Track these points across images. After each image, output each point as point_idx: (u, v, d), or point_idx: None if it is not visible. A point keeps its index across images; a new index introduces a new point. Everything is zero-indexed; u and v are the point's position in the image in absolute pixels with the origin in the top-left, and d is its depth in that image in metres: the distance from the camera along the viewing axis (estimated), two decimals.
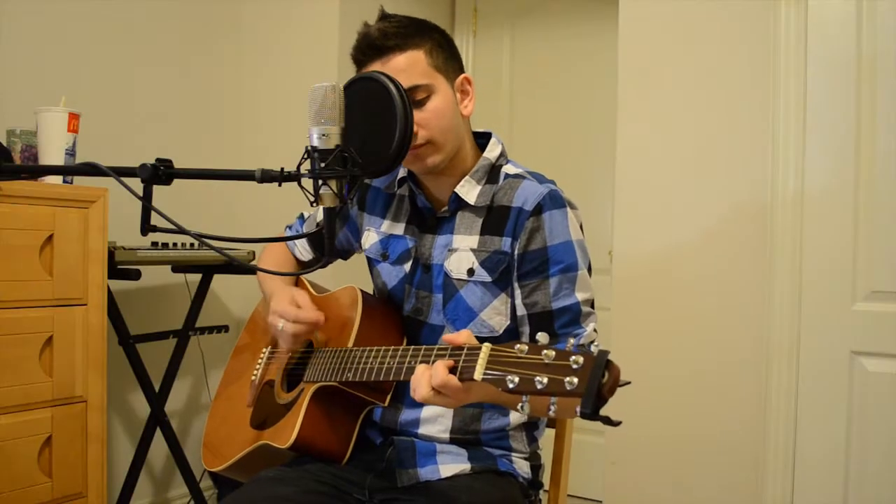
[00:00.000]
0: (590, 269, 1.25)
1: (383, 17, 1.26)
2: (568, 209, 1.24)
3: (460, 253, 1.26)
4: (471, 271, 1.25)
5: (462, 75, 1.28)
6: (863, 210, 1.95)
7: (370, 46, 1.22)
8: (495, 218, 1.25)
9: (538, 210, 1.22)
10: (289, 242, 1.54)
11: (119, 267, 2.03)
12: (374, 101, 1.04)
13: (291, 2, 2.81)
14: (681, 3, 2.20)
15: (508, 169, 1.30)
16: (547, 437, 1.40)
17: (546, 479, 1.39)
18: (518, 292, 1.23)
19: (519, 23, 3.14)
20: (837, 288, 1.97)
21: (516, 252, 1.23)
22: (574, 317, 1.20)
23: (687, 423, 2.16)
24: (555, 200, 1.23)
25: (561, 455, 1.41)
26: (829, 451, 1.97)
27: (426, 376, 0.97)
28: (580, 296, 1.21)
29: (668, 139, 2.22)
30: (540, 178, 1.28)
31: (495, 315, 1.26)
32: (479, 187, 1.27)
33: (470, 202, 1.27)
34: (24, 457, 1.71)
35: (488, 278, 1.24)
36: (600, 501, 2.43)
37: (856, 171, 1.96)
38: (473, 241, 1.26)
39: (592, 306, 1.24)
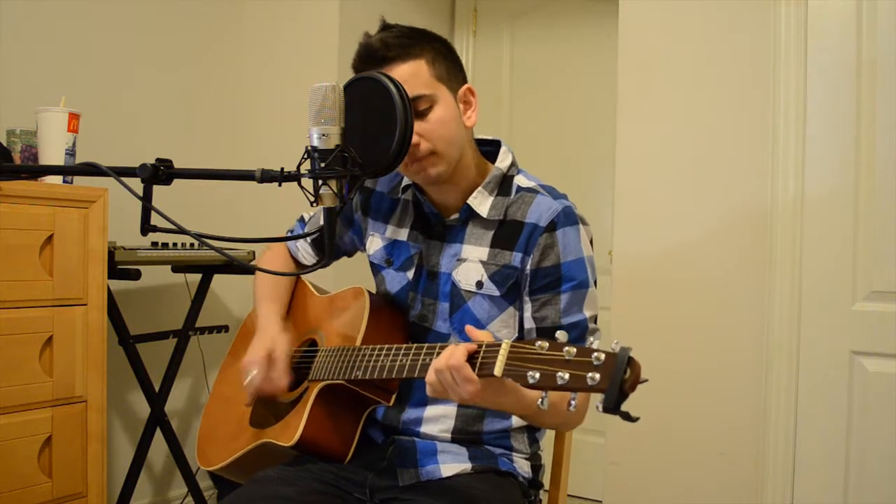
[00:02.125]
0: (595, 284, 1.26)
1: (384, 27, 1.25)
2: (580, 226, 1.25)
3: (469, 264, 1.26)
4: (479, 283, 1.25)
5: (465, 86, 1.27)
6: (863, 210, 1.95)
7: (371, 57, 1.21)
8: (507, 232, 1.25)
9: (552, 227, 1.22)
10: (292, 248, 1.53)
11: (119, 267, 2.03)
12: (375, 101, 1.04)
13: (291, 2, 2.81)
14: (681, 3, 2.20)
15: (521, 181, 1.30)
16: (547, 436, 1.39)
17: (546, 479, 1.39)
18: (528, 306, 1.24)
19: (519, 23, 3.14)
20: (837, 288, 1.97)
21: (528, 267, 1.23)
22: (581, 333, 1.21)
23: (687, 423, 2.16)
24: (568, 217, 1.23)
25: (561, 455, 1.41)
26: (829, 451, 1.97)
27: (446, 354, 0.98)
28: (588, 312, 1.23)
29: (668, 139, 2.22)
30: (553, 193, 1.28)
31: (503, 328, 1.26)
32: (491, 198, 1.27)
33: (482, 214, 1.26)
34: (24, 457, 1.72)
35: (496, 292, 1.25)
36: (600, 501, 2.43)
37: (856, 171, 1.96)
38: (483, 252, 1.26)
39: (596, 322, 1.25)
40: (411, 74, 1.19)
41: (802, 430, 2.01)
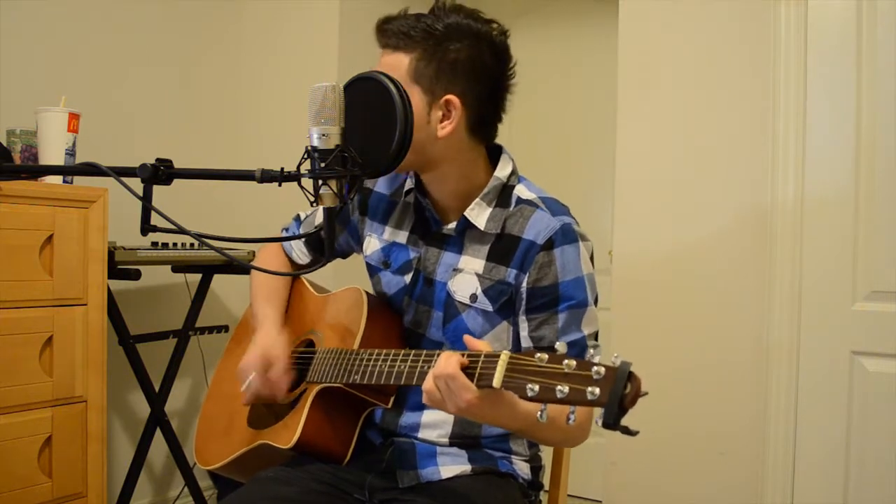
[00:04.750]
0: (596, 301, 1.24)
1: (436, 5, 1.21)
2: (580, 243, 1.21)
3: (465, 275, 1.25)
4: (474, 297, 1.24)
5: (448, 96, 1.19)
6: (863, 210, 1.95)
7: (377, 32, 1.22)
8: (504, 246, 1.23)
9: (549, 245, 1.19)
10: (285, 246, 1.52)
11: (119, 267, 2.03)
12: (374, 101, 1.04)
13: (291, 2, 2.81)
14: (681, 3, 2.20)
15: (521, 192, 1.27)
16: None
17: (546, 479, 1.39)
18: (525, 325, 1.22)
19: (518, 23, 3.13)
20: (837, 288, 1.97)
21: (524, 286, 1.20)
22: (580, 351, 1.18)
23: (687, 423, 2.16)
24: (567, 235, 1.20)
25: (561, 456, 1.41)
26: (829, 451, 1.97)
27: (441, 363, 0.97)
28: (586, 330, 1.20)
29: (668, 139, 2.21)
30: (554, 209, 1.24)
31: (495, 342, 1.24)
32: (490, 210, 1.24)
33: (479, 227, 1.24)
34: (24, 457, 1.72)
35: (490, 307, 1.23)
36: (600, 501, 2.43)
37: (856, 170, 1.96)
38: (479, 265, 1.24)
39: (597, 339, 1.23)
40: (389, 66, 1.18)
41: (802, 430, 2.01)
